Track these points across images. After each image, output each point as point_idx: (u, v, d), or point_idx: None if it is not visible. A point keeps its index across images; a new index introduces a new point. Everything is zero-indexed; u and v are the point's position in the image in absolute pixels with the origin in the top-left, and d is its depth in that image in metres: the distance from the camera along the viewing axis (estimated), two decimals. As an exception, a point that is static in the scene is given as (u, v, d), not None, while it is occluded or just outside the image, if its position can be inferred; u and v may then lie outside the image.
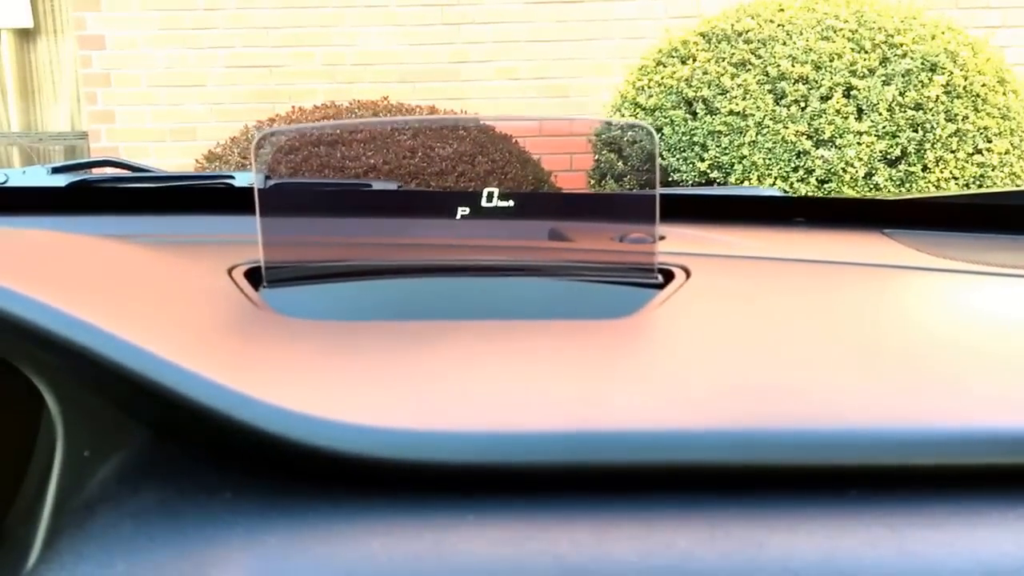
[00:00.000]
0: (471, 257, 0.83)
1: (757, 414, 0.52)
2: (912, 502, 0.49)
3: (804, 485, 0.50)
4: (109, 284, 0.63)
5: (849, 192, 3.65)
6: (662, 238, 0.83)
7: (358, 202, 1.01)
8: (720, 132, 3.83)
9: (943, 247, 0.98)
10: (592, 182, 4.29)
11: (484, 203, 0.81)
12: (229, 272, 0.78)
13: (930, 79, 3.70)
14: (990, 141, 3.76)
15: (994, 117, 3.78)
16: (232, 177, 1.24)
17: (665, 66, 4.08)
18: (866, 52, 3.75)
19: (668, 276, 0.82)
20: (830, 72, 3.72)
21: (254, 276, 0.78)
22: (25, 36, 5.91)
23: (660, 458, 0.49)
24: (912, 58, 3.71)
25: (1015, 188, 3.57)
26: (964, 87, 3.74)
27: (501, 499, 0.49)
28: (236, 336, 0.63)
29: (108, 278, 0.65)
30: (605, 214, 0.97)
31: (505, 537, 0.46)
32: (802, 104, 3.73)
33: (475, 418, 0.51)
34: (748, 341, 0.65)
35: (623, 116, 4.15)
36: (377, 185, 1.30)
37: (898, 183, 3.67)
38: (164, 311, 0.61)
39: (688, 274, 0.81)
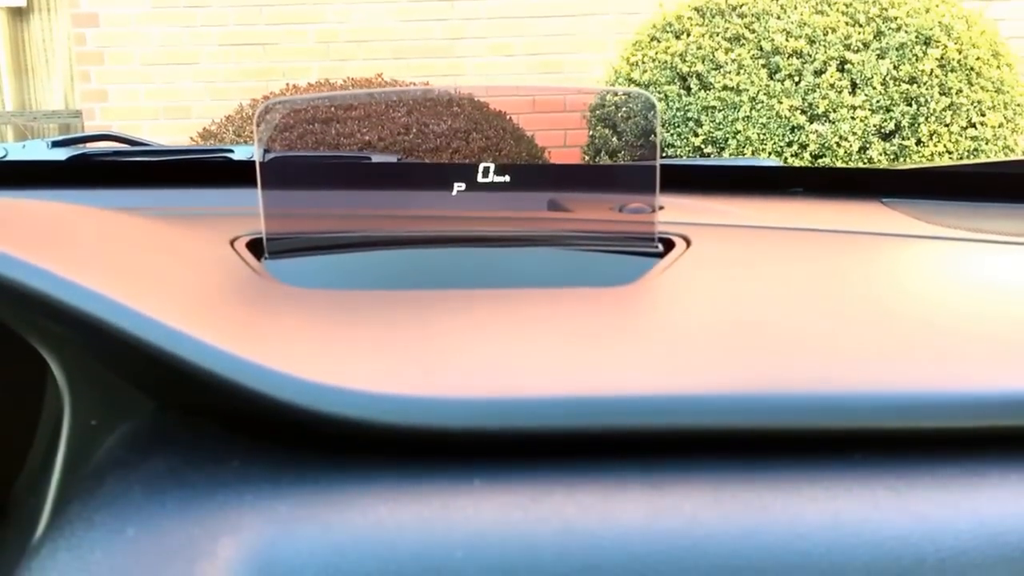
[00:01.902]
0: (471, 228, 0.83)
1: (759, 379, 0.52)
2: (915, 464, 0.50)
3: (808, 449, 0.50)
4: (112, 254, 0.62)
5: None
6: (661, 208, 0.83)
7: (358, 174, 1.01)
8: (714, 107, 3.82)
9: (941, 215, 0.98)
10: (587, 158, 4.28)
11: (480, 178, 0.81)
12: (231, 243, 0.78)
13: (924, 52, 3.70)
14: (984, 115, 3.75)
15: (988, 91, 3.78)
16: (231, 151, 1.24)
17: (659, 41, 4.07)
18: (860, 26, 3.74)
19: (668, 245, 0.82)
20: (824, 46, 3.71)
21: (256, 247, 0.79)
22: (18, 15, 5.88)
23: (664, 423, 0.49)
24: (906, 31, 3.71)
25: (1012, 158, 3.57)
26: (958, 60, 3.74)
27: (507, 464, 0.49)
28: (241, 305, 0.63)
29: (111, 248, 0.65)
30: (604, 185, 0.97)
31: (511, 501, 0.47)
32: (796, 79, 3.72)
33: (480, 384, 0.51)
34: (749, 308, 0.66)
35: (617, 92, 4.15)
36: (377, 158, 1.30)
37: (892, 157, 3.67)
38: (169, 281, 0.61)
39: (688, 243, 0.82)
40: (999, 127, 3.78)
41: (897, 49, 3.69)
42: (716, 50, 3.86)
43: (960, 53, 3.74)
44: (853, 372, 0.53)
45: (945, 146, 3.68)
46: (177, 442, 0.53)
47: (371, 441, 0.49)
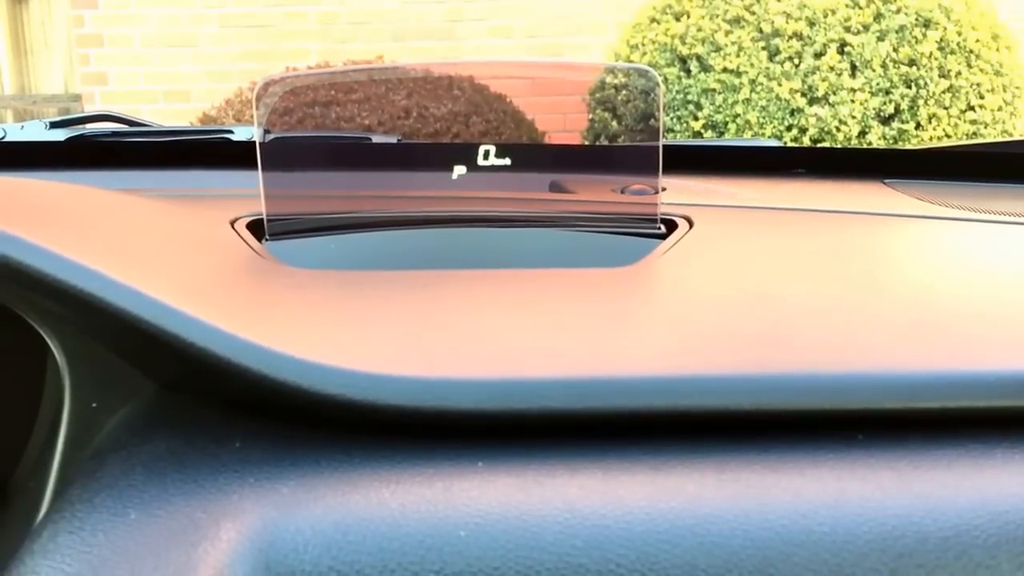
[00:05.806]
0: (473, 209, 0.83)
1: (762, 359, 0.52)
2: (918, 445, 0.50)
3: (811, 430, 0.51)
4: (112, 234, 0.62)
5: (843, 149, 3.64)
6: (663, 189, 0.83)
7: (358, 155, 1.00)
8: (714, 90, 3.81)
9: (943, 196, 0.99)
10: (587, 142, 4.27)
11: (481, 160, 0.81)
12: (232, 224, 0.78)
13: (924, 35, 3.69)
14: (983, 97, 3.75)
15: (987, 73, 3.77)
16: (231, 131, 1.23)
17: (659, 23, 4.06)
18: (860, 7, 3.73)
19: (671, 226, 0.82)
20: (824, 28, 3.70)
21: (256, 228, 0.79)
22: (16, -3, 5.87)
23: (667, 404, 0.50)
24: (906, 13, 3.70)
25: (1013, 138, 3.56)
26: (958, 43, 3.73)
27: (510, 446, 0.49)
28: (242, 286, 0.63)
29: (111, 228, 0.64)
30: (606, 166, 0.97)
31: (515, 483, 0.47)
32: (796, 61, 3.71)
33: (483, 365, 0.51)
34: (752, 288, 0.66)
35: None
36: (377, 138, 1.30)
37: (891, 141, 3.66)
38: (169, 261, 0.61)
39: (691, 224, 0.82)
40: (998, 110, 3.77)
41: (897, 31, 3.68)
42: (716, 32, 3.84)
43: (959, 35, 3.73)
44: (856, 353, 0.53)
45: (944, 129, 3.68)
46: (178, 424, 0.53)
47: (374, 422, 0.49)
